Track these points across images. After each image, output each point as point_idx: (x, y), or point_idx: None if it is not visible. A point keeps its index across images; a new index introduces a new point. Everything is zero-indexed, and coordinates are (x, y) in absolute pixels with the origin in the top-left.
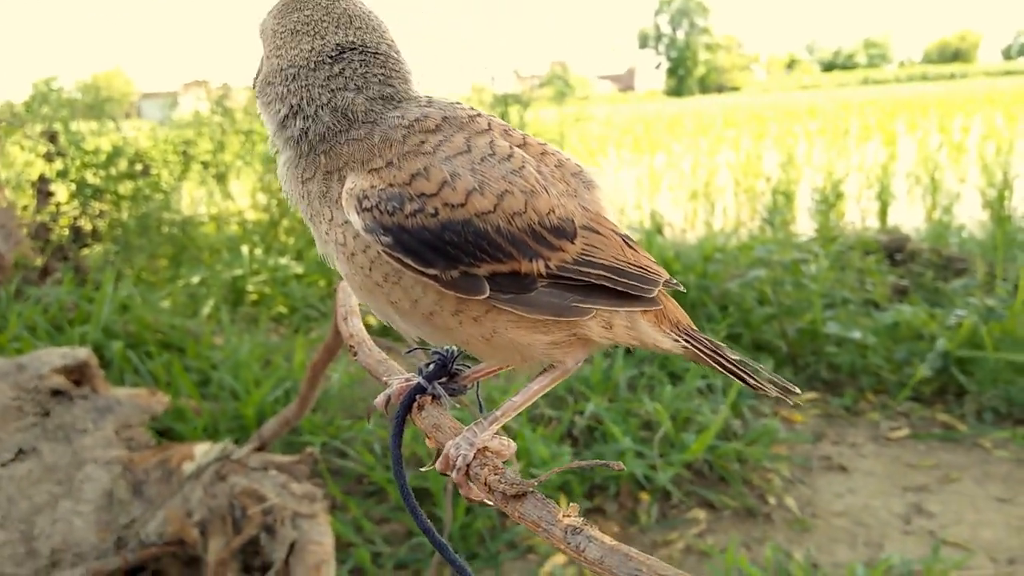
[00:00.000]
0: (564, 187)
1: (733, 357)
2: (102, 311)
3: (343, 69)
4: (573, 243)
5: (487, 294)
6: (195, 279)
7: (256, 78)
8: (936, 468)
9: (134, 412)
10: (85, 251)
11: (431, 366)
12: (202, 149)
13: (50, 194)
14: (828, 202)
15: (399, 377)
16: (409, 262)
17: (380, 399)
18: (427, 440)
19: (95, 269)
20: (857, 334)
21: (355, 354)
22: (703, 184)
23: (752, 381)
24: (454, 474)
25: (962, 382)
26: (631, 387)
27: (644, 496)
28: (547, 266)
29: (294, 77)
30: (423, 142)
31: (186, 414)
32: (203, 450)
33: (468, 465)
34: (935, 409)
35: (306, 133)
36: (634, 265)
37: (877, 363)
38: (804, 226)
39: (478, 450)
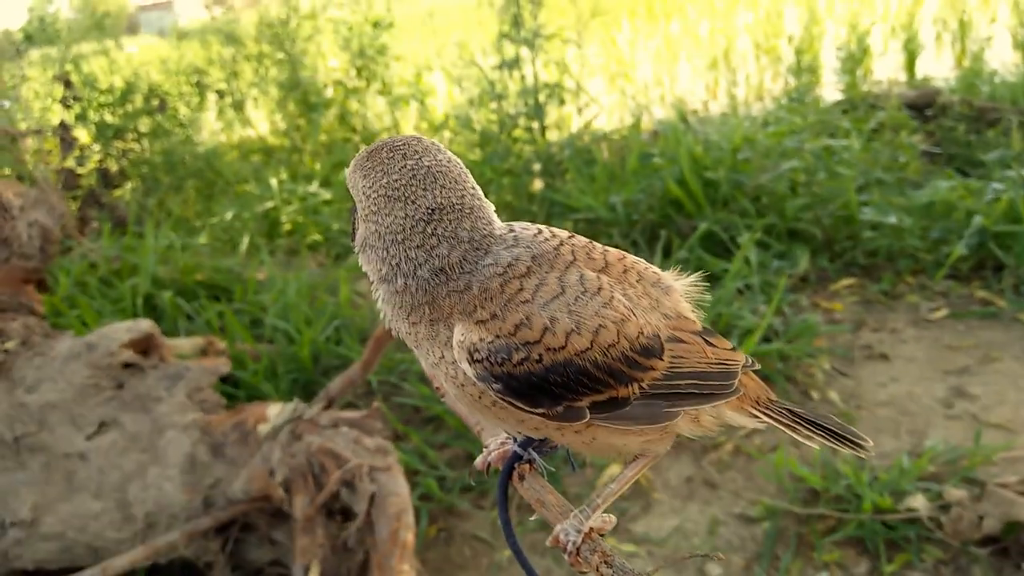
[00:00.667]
0: (647, 302)
1: (809, 418)
2: (148, 263)
3: (435, 229)
4: (662, 359)
5: (588, 419)
6: (228, 215)
7: (353, 235)
8: (976, 348)
9: (203, 375)
10: (117, 193)
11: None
12: (215, 78)
13: (73, 139)
14: (854, 59)
15: (495, 439)
16: (520, 405)
17: (480, 461)
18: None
19: (132, 216)
20: (893, 218)
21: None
22: (723, 51)
23: (829, 442)
24: (567, 556)
25: (1000, 257)
26: None
27: None
28: (641, 387)
29: (392, 242)
30: (521, 288)
31: (245, 360)
32: (275, 411)
33: (578, 548)
34: (973, 286)
35: (408, 286)
36: (716, 364)
37: (914, 244)
38: (831, 85)
39: (585, 534)
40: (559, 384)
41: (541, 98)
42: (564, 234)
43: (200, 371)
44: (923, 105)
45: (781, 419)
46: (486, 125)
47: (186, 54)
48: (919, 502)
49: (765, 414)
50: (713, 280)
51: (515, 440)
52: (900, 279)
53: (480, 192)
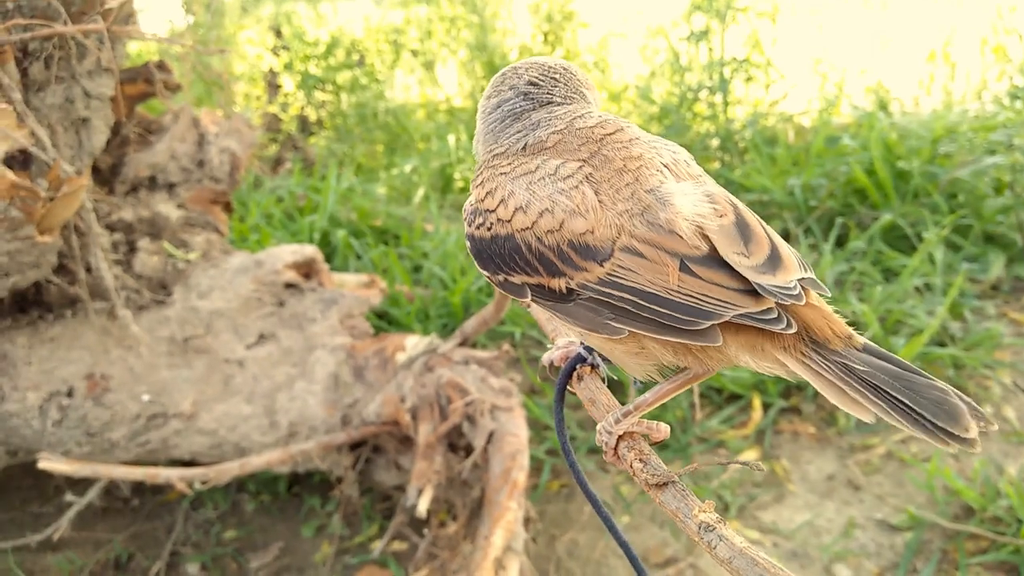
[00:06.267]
0: (627, 206)
1: (886, 386)
2: (327, 202)
3: (506, 112)
4: (601, 265)
5: (529, 299)
6: (407, 167)
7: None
8: None
9: (356, 303)
10: (312, 140)
11: None
12: (410, 37)
13: (278, 86)
14: None
15: (563, 340)
16: (476, 263)
17: (545, 358)
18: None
19: (321, 160)
20: None
21: (529, 306)
22: (942, 44)
23: (907, 426)
24: (604, 453)
25: None
26: (838, 284)
27: None
28: (568, 285)
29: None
30: (513, 164)
31: (400, 300)
32: (413, 342)
33: (615, 446)
34: None
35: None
36: (679, 294)
37: None
38: None
39: (619, 436)
40: (498, 255)
41: (727, 73)
42: (612, 125)
43: (353, 299)
44: None
45: (826, 375)
46: (667, 98)
47: (387, 13)
48: None
49: (802, 362)
50: (890, 275)
51: (582, 343)
52: None
53: (581, 95)
